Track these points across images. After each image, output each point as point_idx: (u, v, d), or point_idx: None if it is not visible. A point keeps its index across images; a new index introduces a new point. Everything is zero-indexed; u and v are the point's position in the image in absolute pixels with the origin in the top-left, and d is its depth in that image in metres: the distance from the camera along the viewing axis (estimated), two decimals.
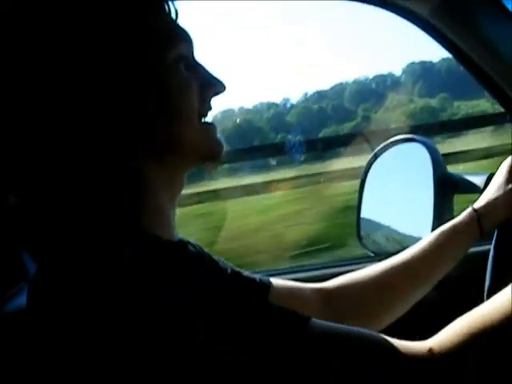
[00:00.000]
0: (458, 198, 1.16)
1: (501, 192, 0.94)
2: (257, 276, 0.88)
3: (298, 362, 0.53)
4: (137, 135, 0.65)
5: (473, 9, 1.01)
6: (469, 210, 0.95)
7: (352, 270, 0.97)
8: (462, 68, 1.10)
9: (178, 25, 0.71)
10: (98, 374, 0.53)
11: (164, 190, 0.69)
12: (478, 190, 1.07)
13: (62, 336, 0.55)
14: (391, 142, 1.28)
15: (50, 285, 0.59)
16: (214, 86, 0.72)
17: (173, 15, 0.71)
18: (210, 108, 0.72)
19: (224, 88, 0.73)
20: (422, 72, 23.92)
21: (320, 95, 24.97)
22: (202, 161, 0.72)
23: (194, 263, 0.72)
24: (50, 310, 0.57)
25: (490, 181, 1.07)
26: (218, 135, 0.73)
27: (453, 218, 1.15)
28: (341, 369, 0.53)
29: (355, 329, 0.57)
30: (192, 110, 0.69)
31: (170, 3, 0.71)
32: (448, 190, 1.15)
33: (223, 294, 0.57)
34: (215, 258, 0.84)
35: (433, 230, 1.13)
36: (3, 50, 0.63)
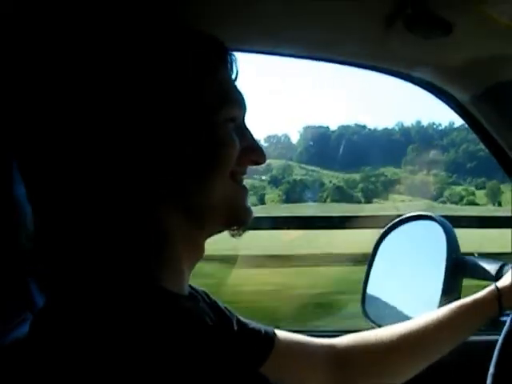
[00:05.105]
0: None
1: None
2: (262, 328, 0.87)
3: None
4: (165, 184, 0.66)
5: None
6: (492, 287, 0.97)
7: None
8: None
9: (236, 89, 0.74)
10: None
11: (183, 245, 0.69)
12: (489, 278, 1.08)
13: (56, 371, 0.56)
14: (408, 217, 1.28)
15: (54, 319, 0.60)
16: (255, 153, 0.73)
17: (233, 76, 0.74)
18: (244, 173, 0.73)
19: (264, 160, 0.74)
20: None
21: None
22: (228, 224, 0.72)
23: (190, 323, 0.65)
24: (51, 344, 0.57)
25: (502, 270, 1.08)
26: (248, 202, 0.73)
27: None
28: None
29: None
30: (228, 166, 0.69)
31: (233, 64, 0.74)
32: (459, 272, 1.15)
33: (210, 354, 0.57)
34: (221, 307, 0.84)
35: None
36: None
